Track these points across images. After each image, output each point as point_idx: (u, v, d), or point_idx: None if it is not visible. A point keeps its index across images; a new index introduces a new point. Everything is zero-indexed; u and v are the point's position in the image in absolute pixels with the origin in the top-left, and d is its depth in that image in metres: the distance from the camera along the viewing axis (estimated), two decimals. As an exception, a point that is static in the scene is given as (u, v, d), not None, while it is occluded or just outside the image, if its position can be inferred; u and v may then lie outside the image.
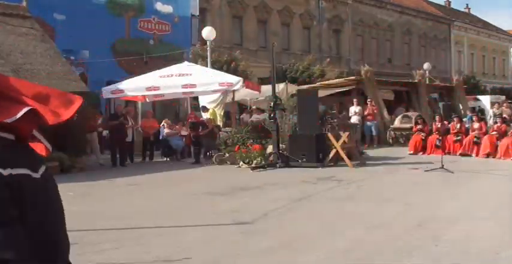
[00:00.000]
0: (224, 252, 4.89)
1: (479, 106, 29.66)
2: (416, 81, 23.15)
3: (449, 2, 57.20)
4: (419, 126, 16.37)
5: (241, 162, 12.64)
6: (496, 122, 15.41)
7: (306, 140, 12.42)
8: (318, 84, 21.99)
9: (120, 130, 13.86)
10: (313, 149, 12.30)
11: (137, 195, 8.63)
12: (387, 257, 4.66)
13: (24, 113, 1.02)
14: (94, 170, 12.77)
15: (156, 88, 15.00)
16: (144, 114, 16.33)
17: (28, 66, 12.44)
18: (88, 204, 7.67)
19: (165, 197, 8.35)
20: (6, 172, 0.99)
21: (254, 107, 18.46)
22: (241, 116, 19.12)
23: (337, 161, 12.64)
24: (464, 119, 17.87)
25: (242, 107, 22.24)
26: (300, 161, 12.21)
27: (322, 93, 17.02)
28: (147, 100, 17.45)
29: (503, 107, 18.03)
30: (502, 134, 14.38)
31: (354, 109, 18.70)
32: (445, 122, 15.99)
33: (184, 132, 15.78)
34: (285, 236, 5.48)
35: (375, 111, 18.82)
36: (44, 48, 13.39)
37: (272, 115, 12.74)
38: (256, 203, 7.53)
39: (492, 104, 25.05)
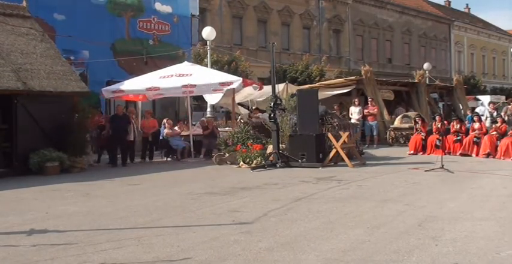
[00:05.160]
0: (224, 252, 4.89)
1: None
2: (416, 81, 23.17)
3: (449, 2, 57.27)
4: (418, 125, 16.39)
5: (241, 162, 12.65)
6: (494, 122, 15.40)
7: (306, 140, 12.43)
8: (317, 84, 21.99)
9: (122, 129, 13.85)
10: (313, 149, 12.30)
11: (137, 195, 8.63)
12: (387, 257, 4.66)
13: None
14: (94, 170, 12.78)
15: (156, 88, 15.00)
16: (144, 114, 16.30)
17: (28, 66, 12.44)
18: (88, 204, 7.67)
19: (165, 197, 8.35)
20: None
21: (254, 107, 18.46)
22: (241, 116, 19.11)
23: (337, 161, 12.66)
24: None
25: (243, 107, 22.25)
26: (300, 161, 12.22)
27: (322, 93, 17.03)
28: (148, 99, 17.43)
29: (510, 106, 17.94)
30: (502, 134, 14.38)
31: (354, 109, 18.70)
32: (445, 122, 15.98)
33: (184, 133, 15.79)
34: (285, 236, 5.48)
35: (375, 111, 18.82)
36: (44, 48, 13.38)
37: (272, 115, 12.74)
38: (256, 203, 7.54)
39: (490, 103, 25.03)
